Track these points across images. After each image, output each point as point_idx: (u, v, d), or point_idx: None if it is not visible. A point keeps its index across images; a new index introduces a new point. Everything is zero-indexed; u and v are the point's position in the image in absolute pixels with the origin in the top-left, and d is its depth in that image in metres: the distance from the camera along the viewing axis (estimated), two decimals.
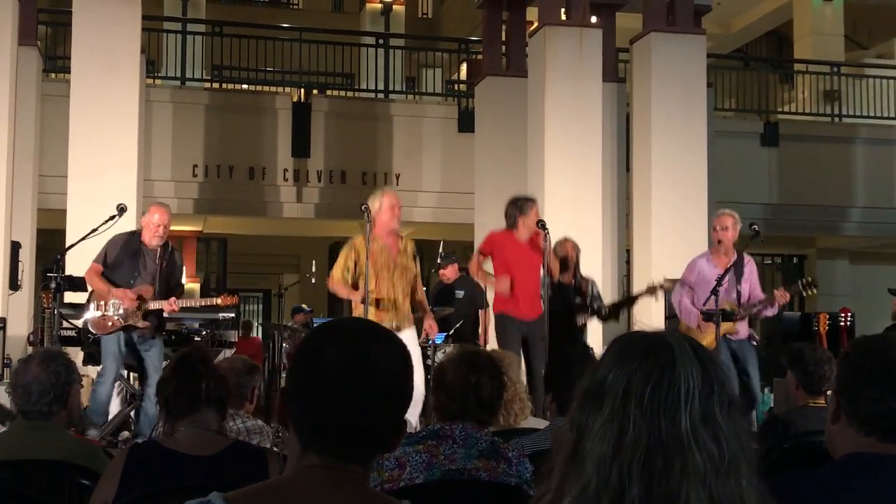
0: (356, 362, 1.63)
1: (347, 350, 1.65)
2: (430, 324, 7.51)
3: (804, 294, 7.89)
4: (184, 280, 7.71)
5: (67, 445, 3.54)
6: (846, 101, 17.01)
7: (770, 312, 7.92)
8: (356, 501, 1.63)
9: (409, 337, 7.22)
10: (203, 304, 7.70)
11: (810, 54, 18.01)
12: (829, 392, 4.28)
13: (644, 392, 1.51)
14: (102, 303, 7.30)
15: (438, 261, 9.65)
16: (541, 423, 4.46)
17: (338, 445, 1.63)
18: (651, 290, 8.43)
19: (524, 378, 5.01)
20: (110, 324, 7.34)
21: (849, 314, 9.44)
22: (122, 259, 7.41)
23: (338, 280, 7.37)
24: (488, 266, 8.18)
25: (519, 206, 7.97)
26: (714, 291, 7.22)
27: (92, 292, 7.46)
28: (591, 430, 1.51)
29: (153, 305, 7.30)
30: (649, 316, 11.17)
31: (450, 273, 10.22)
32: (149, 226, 7.48)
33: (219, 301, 7.58)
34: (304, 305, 13.10)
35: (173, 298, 7.32)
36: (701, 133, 11.50)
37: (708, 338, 7.64)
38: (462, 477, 2.99)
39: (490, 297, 8.72)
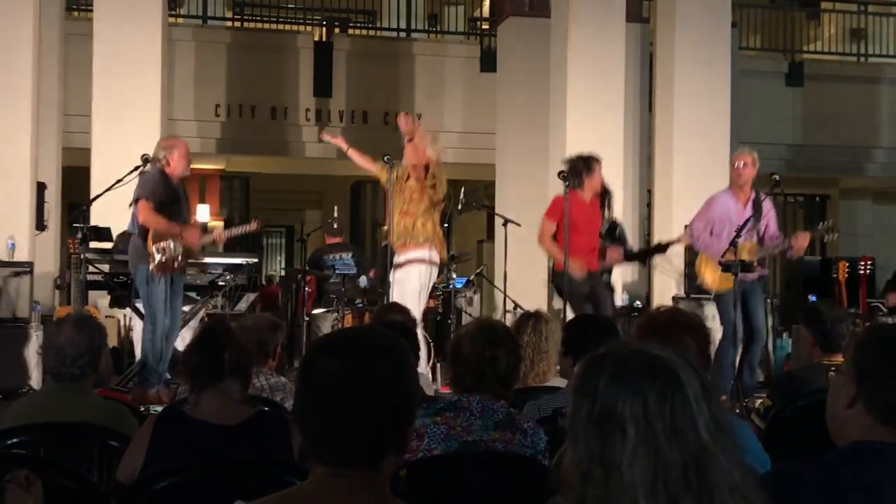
0: (346, 378, 1.70)
1: (337, 366, 1.72)
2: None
3: (825, 239, 7.91)
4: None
5: (96, 407, 3.65)
6: (872, 39, 16.78)
7: (791, 253, 7.95)
8: None
9: (408, 272, 7.37)
10: (240, 232, 7.70)
11: None
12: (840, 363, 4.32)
13: (664, 412, 1.56)
14: (163, 245, 6.98)
15: (459, 206, 9.70)
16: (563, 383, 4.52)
17: (339, 457, 1.70)
18: (681, 240, 8.49)
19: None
20: (176, 265, 7.08)
21: (868, 263, 9.42)
22: (165, 199, 7.12)
23: None
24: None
25: (586, 165, 7.92)
26: (733, 243, 7.26)
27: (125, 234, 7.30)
28: (622, 460, 1.55)
29: (206, 239, 7.33)
30: (669, 258, 11.24)
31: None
32: (184, 158, 7.24)
33: (253, 226, 7.66)
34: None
35: (217, 231, 7.37)
36: (725, 73, 11.42)
37: (724, 276, 7.69)
38: (479, 448, 3.07)
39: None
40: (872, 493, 2.16)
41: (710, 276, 7.84)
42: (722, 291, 7.72)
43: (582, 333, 4.16)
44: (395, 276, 7.51)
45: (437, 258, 7.70)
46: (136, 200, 7.06)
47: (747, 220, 7.46)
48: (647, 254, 9.08)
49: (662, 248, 8.96)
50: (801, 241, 7.71)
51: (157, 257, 6.92)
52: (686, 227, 8.32)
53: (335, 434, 1.70)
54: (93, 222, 8.32)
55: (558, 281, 7.93)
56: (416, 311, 7.14)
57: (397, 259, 7.61)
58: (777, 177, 7.75)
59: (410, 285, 7.23)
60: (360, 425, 1.69)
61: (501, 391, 3.23)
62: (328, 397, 1.70)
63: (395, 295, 7.37)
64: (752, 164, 7.88)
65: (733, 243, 7.30)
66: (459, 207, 9.98)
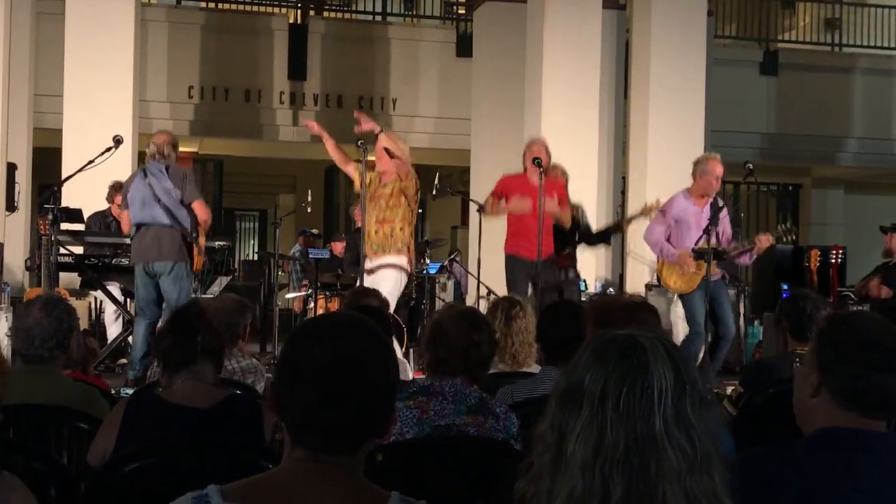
0: (332, 363, 1.68)
1: (323, 350, 1.69)
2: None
3: (784, 240, 7.98)
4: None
5: (66, 389, 3.62)
6: (847, 29, 16.88)
7: (746, 260, 8.00)
8: (343, 492, 1.69)
9: (383, 276, 7.30)
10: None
11: None
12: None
13: (620, 394, 1.58)
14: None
15: (433, 192, 9.69)
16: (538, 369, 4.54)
17: (321, 441, 1.69)
18: (644, 212, 8.45)
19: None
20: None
21: (840, 252, 9.50)
22: None
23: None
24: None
25: (526, 148, 8.00)
26: (706, 231, 7.30)
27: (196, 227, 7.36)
28: (573, 433, 1.58)
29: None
30: (641, 244, 11.26)
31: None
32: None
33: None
34: (314, 230, 13.16)
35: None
36: (700, 61, 11.46)
37: (688, 277, 7.73)
38: (451, 433, 3.08)
39: None
40: (840, 476, 2.18)
41: (674, 280, 7.88)
42: (687, 292, 7.78)
43: (552, 320, 4.18)
44: (367, 280, 7.42)
45: (409, 267, 7.59)
46: (189, 201, 7.16)
47: (709, 224, 7.45)
48: (607, 233, 9.02)
49: (620, 226, 8.96)
50: (764, 242, 7.75)
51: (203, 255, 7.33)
52: (644, 236, 8.31)
53: (321, 421, 1.67)
54: (64, 203, 8.25)
55: (508, 266, 7.92)
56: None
57: (370, 264, 7.52)
58: (751, 165, 7.78)
59: (384, 290, 7.14)
60: (347, 412, 1.68)
61: (480, 375, 3.26)
62: (316, 383, 1.67)
63: None
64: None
65: (706, 231, 7.33)
66: (434, 193, 9.97)
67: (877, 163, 16.42)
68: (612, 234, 9.22)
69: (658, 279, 8.42)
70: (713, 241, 7.55)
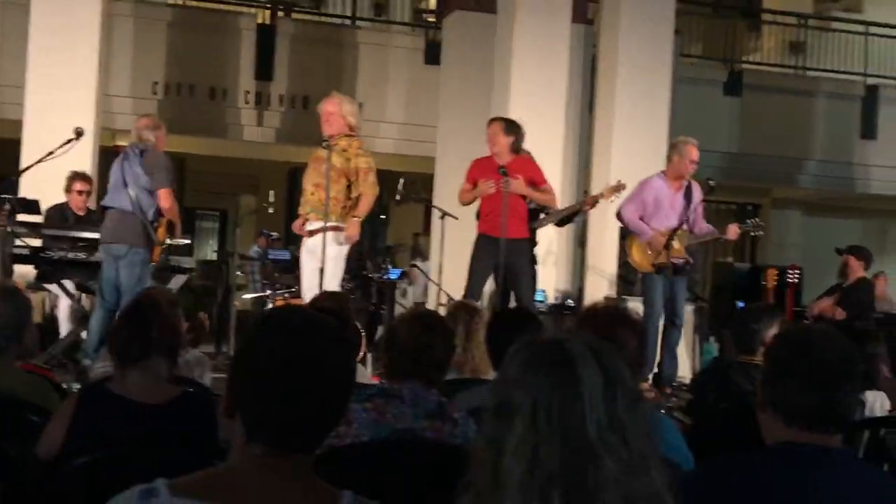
0: (293, 359, 1.65)
1: (285, 346, 1.66)
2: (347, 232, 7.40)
3: (753, 234, 8.20)
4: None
5: (18, 380, 3.56)
6: (811, 53, 17.08)
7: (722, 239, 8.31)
8: (298, 488, 1.67)
9: (328, 237, 7.20)
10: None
11: (779, 4, 18.00)
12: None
13: (550, 406, 1.54)
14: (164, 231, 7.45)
15: (397, 197, 9.66)
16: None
17: (279, 438, 1.66)
18: (607, 194, 8.46)
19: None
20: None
21: (797, 272, 9.62)
22: None
23: None
24: None
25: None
26: (686, 220, 7.48)
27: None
28: (507, 448, 1.54)
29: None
30: (602, 257, 11.30)
31: None
32: (164, 137, 7.50)
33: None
34: (273, 234, 13.10)
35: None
36: (665, 79, 11.53)
37: (653, 257, 7.84)
38: (408, 437, 3.06)
39: None
40: (788, 491, 2.21)
41: (639, 256, 8.01)
42: (649, 272, 7.92)
43: (503, 327, 4.18)
44: (307, 246, 7.37)
45: (343, 237, 7.43)
46: (154, 188, 7.21)
47: (683, 213, 7.61)
48: (571, 216, 9.05)
49: (581, 207, 9.00)
50: (732, 234, 8.07)
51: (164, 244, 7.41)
52: (617, 213, 8.39)
53: (281, 416, 1.64)
54: (22, 195, 8.14)
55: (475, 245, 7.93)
56: (338, 279, 7.07)
57: (310, 226, 7.43)
58: (712, 182, 7.88)
59: (329, 254, 7.07)
60: (307, 407, 1.65)
61: (436, 378, 3.24)
62: (277, 377, 1.64)
63: (308, 267, 7.27)
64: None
65: (668, 246, 7.41)
66: (397, 198, 9.95)
67: (835, 186, 16.61)
68: (576, 216, 9.25)
69: (625, 252, 8.53)
70: (684, 226, 7.73)
